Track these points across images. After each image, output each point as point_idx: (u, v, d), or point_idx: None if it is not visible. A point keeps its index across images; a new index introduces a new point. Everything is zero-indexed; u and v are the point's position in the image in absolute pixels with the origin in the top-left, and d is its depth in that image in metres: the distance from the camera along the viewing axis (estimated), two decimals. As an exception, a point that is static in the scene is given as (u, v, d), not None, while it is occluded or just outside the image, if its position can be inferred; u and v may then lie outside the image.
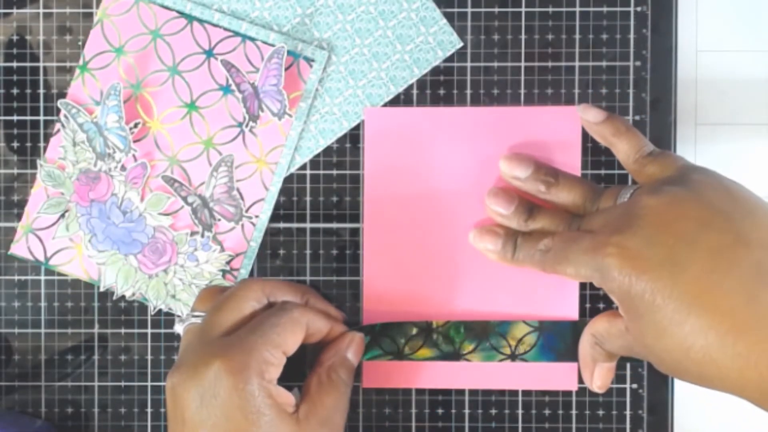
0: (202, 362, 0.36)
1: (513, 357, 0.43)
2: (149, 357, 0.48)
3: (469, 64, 0.47)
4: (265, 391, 0.36)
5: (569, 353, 0.43)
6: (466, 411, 0.46)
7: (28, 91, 0.48)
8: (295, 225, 0.47)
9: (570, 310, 0.43)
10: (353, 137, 0.47)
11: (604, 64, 0.47)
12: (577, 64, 0.47)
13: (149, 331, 0.48)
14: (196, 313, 0.41)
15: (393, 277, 0.43)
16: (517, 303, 0.43)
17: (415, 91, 0.47)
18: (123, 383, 0.48)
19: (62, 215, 0.47)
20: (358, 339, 0.42)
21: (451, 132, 0.43)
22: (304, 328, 0.39)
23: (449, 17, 0.47)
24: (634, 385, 0.47)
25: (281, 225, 0.47)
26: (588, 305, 0.45)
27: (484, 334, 0.42)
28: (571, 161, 0.43)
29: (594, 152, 0.46)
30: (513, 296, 0.43)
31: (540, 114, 0.44)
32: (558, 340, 0.43)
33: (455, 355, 0.42)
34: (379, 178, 0.43)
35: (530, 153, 0.43)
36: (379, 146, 0.43)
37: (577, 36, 0.47)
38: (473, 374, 0.43)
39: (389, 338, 0.42)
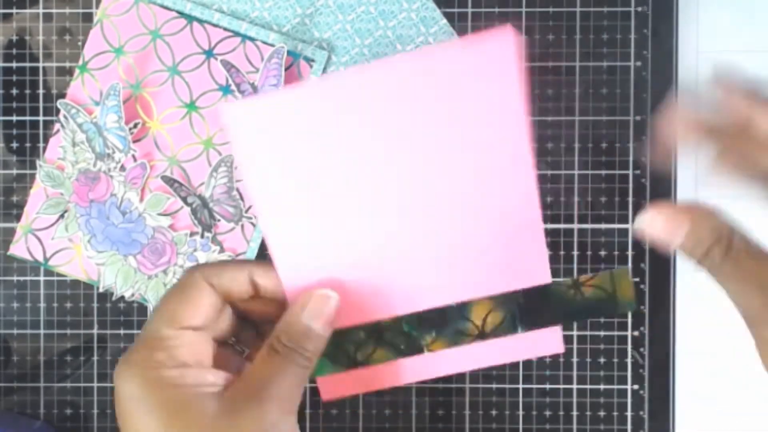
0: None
1: (482, 336, 0.36)
2: (149, 358, 0.47)
3: (469, 65, 0.47)
4: (155, 377, 0.29)
5: (548, 319, 0.36)
6: (467, 412, 0.46)
7: (28, 91, 0.48)
8: (295, 225, 0.47)
9: (540, 275, 0.36)
10: (353, 137, 0.47)
11: (604, 64, 0.47)
12: (577, 64, 0.47)
13: (149, 331, 0.47)
14: None
15: (319, 282, 0.35)
16: (475, 281, 0.36)
17: (415, 92, 0.47)
18: (122, 384, 0.48)
19: (61, 216, 0.47)
20: (317, 297, 0.33)
21: (348, 105, 0.33)
22: (205, 289, 0.31)
23: (449, 17, 0.47)
24: (635, 386, 0.47)
25: (281, 225, 0.47)
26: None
27: (443, 322, 0.36)
28: (510, 101, 0.33)
29: (594, 152, 0.46)
30: (469, 274, 0.36)
31: (449, 51, 0.32)
32: (531, 309, 0.36)
33: (417, 349, 0.36)
34: (268, 180, 0.34)
35: (453, 105, 0.33)
36: (259, 146, 0.33)
37: (578, 36, 0.47)
38: (442, 362, 0.37)
39: (336, 349, 0.36)
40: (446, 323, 0.37)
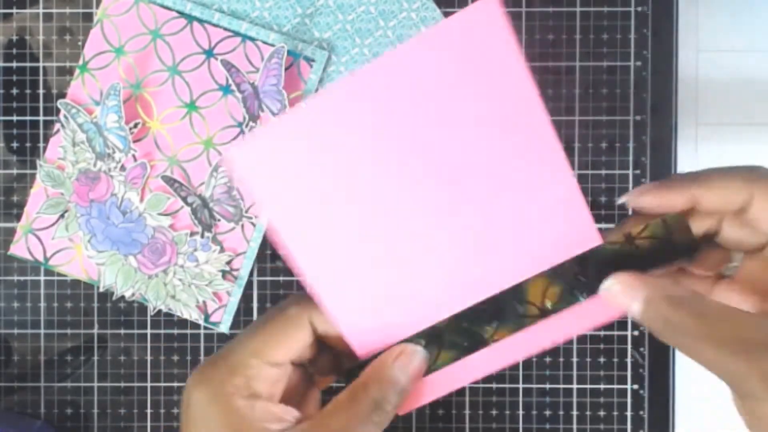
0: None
1: (544, 314, 0.34)
2: (149, 358, 0.47)
3: (469, 64, 0.47)
4: (226, 401, 0.29)
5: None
6: (467, 411, 0.46)
7: (28, 91, 0.48)
8: (295, 225, 0.47)
9: (589, 238, 0.33)
10: (353, 137, 0.47)
11: (604, 64, 0.47)
12: (577, 64, 0.47)
13: (149, 331, 0.47)
14: None
15: (362, 302, 0.33)
16: (522, 260, 0.34)
17: (415, 91, 0.47)
18: (123, 384, 0.48)
19: (62, 215, 0.47)
20: (409, 351, 0.32)
21: (351, 115, 0.31)
22: (305, 329, 0.31)
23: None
24: (635, 386, 0.47)
25: (281, 225, 0.47)
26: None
27: (500, 310, 0.34)
28: (511, 69, 0.31)
29: (594, 152, 0.46)
30: (514, 255, 0.34)
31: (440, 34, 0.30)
32: (588, 274, 0.33)
33: (481, 342, 0.34)
34: (296, 216, 0.32)
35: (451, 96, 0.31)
36: (277, 184, 0.32)
37: (578, 36, 0.47)
38: (511, 349, 0.35)
39: None
40: (504, 310, 0.34)
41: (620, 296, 0.30)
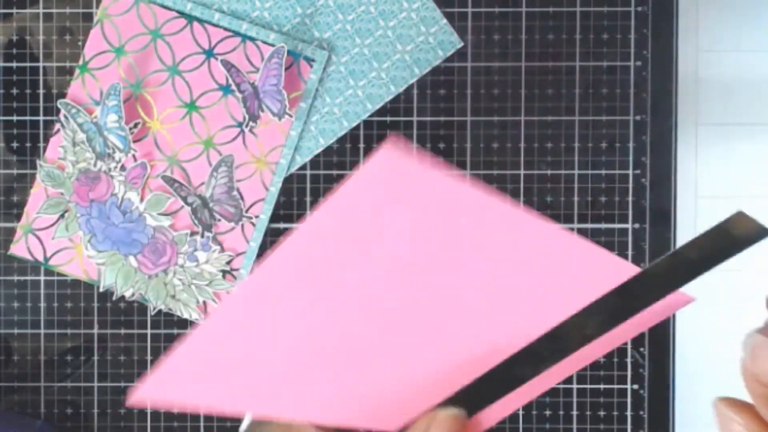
0: None
1: (588, 339, 0.32)
2: (149, 357, 0.47)
3: (469, 64, 0.47)
4: None
5: (661, 292, 0.31)
6: (467, 412, 0.46)
7: (28, 91, 0.48)
8: (295, 225, 0.47)
9: (624, 271, 0.31)
10: (353, 137, 0.47)
11: (604, 64, 0.47)
12: (577, 64, 0.47)
13: (149, 331, 0.47)
14: None
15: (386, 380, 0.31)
16: (553, 310, 0.31)
17: (415, 91, 0.47)
18: (123, 384, 0.48)
19: (62, 215, 0.47)
20: (442, 417, 0.29)
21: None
22: None
23: (449, 17, 0.47)
24: (635, 386, 0.47)
25: (281, 225, 0.47)
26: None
27: (545, 355, 0.32)
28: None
29: (594, 152, 0.46)
30: (543, 312, 0.31)
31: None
32: (632, 297, 0.31)
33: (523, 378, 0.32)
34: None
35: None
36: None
37: (578, 36, 0.47)
38: (556, 372, 0.32)
39: None
40: (542, 354, 0.31)
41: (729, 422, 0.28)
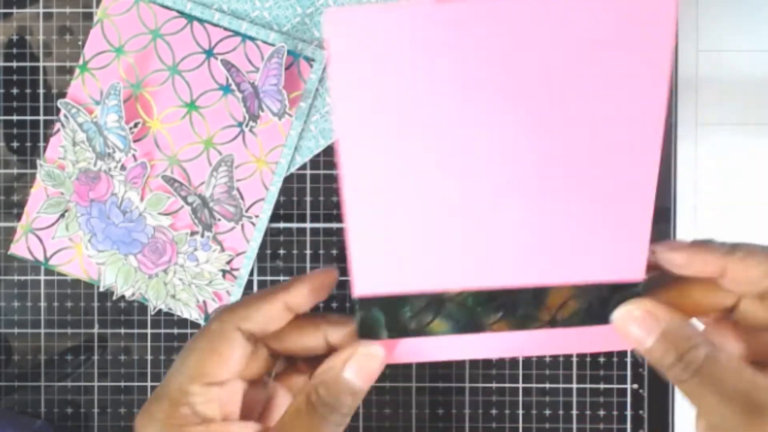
0: None
1: (552, 323, 0.32)
2: (149, 357, 0.47)
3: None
4: None
5: None
6: (467, 411, 0.46)
7: (28, 91, 0.48)
8: (295, 225, 0.47)
9: (634, 270, 0.31)
10: (353, 137, 0.47)
11: (604, 63, 0.47)
12: (577, 63, 0.47)
13: (149, 331, 0.47)
14: None
15: (388, 237, 0.31)
16: (560, 263, 0.31)
17: (415, 91, 0.47)
18: (123, 383, 0.48)
19: (62, 215, 0.47)
20: (364, 354, 0.30)
21: (459, 36, 0.28)
22: (233, 339, 0.29)
23: (449, 17, 0.47)
24: (635, 386, 0.47)
25: (281, 225, 0.47)
26: None
27: (513, 305, 0.32)
28: (656, 64, 0.27)
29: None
30: (555, 254, 0.31)
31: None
32: (612, 303, 0.31)
33: (478, 327, 0.32)
34: (358, 106, 0.29)
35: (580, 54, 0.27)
36: (354, 62, 0.28)
37: (578, 36, 0.47)
38: (501, 344, 0.33)
39: (389, 313, 0.32)
40: (517, 306, 0.32)
41: (637, 324, 0.29)
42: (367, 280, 0.31)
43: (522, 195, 0.30)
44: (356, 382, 0.29)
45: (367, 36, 0.27)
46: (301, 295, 0.30)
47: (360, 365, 0.29)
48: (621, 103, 0.28)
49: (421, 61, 0.28)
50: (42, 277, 0.48)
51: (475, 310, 0.32)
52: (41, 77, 0.48)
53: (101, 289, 0.47)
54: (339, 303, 0.47)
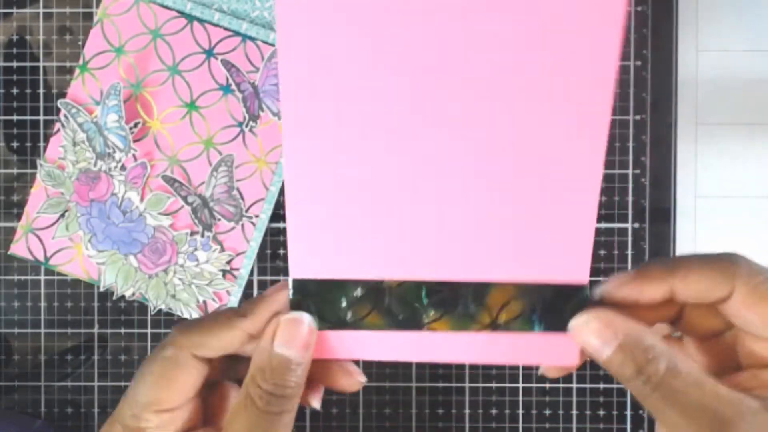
0: None
1: (493, 326, 0.31)
2: (149, 357, 0.47)
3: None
4: None
5: (567, 324, 0.31)
6: (467, 411, 0.46)
7: (28, 91, 0.48)
8: (295, 225, 0.47)
9: (577, 272, 0.30)
10: (353, 137, 0.47)
11: (604, 63, 0.47)
12: (577, 63, 0.47)
13: (149, 331, 0.47)
14: None
15: (328, 216, 0.30)
16: (503, 259, 0.30)
17: (415, 91, 0.47)
18: (123, 383, 0.48)
19: (62, 215, 0.47)
20: (286, 322, 0.28)
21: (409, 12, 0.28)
22: (193, 368, 0.28)
23: (449, 17, 0.47)
24: (635, 385, 0.47)
25: (281, 225, 0.47)
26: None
27: (453, 300, 0.31)
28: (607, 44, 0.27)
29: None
30: (498, 249, 0.30)
31: None
32: (556, 308, 0.31)
33: (415, 324, 0.31)
34: (304, 66, 0.28)
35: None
36: (303, 17, 0.28)
37: (578, 36, 0.47)
38: (440, 347, 0.32)
39: (326, 301, 0.31)
40: (457, 302, 0.31)
41: (594, 334, 0.28)
42: (304, 262, 0.30)
43: (465, 184, 0.29)
44: (288, 352, 0.27)
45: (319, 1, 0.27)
46: (262, 322, 0.29)
47: (287, 334, 0.28)
48: (568, 93, 0.28)
49: (369, 29, 0.27)
50: (42, 277, 0.48)
51: (414, 305, 0.31)
52: (41, 77, 0.48)
53: (101, 289, 0.47)
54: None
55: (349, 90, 0.28)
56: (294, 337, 0.28)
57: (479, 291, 0.31)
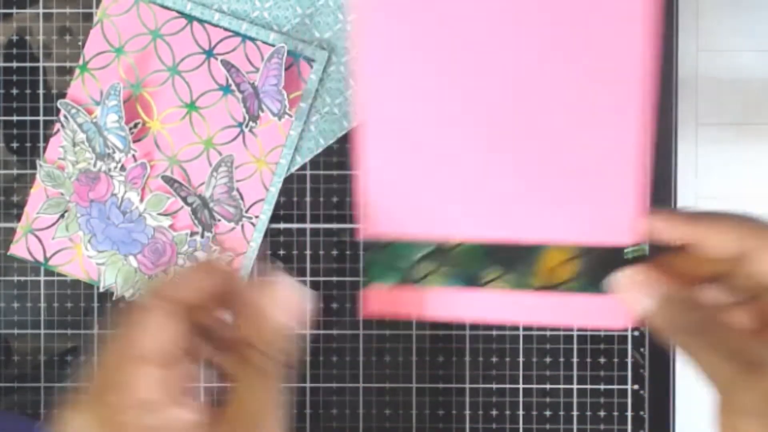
0: None
1: (548, 287, 0.33)
2: (149, 358, 0.47)
3: (469, 64, 0.47)
4: (112, 421, 0.25)
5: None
6: (467, 411, 0.46)
7: (28, 91, 0.48)
8: (295, 225, 0.47)
9: (631, 233, 0.32)
10: (353, 137, 0.47)
11: (604, 64, 0.47)
12: (577, 64, 0.47)
13: (149, 331, 0.47)
14: None
15: (398, 185, 0.33)
16: (559, 222, 0.32)
17: (415, 91, 0.47)
18: (122, 384, 0.48)
19: (62, 215, 0.47)
20: (282, 286, 0.28)
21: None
22: (171, 318, 0.26)
23: (449, 17, 0.47)
24: (636, 386, 0.47)
25: (281, 225, 0.47)
26: None
27: (511, 261, 0.33)
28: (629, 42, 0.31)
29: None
30: (555, 213, 0.32)
31: None
32: (607, 270, 0.32)
33: (474, 282, 0.33)
34: (378, 56, 0.32)
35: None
36: (377, 11, 0.32)
37: (578, 36, 0.47)
38: (495, 306, 0.33)
39: (394, 260, 0.33)
40: (514, 262, 0.33)
41: (637, 288, 0.30)
42: (374, 222, 0.33)
43: (521, 153, 0.32)
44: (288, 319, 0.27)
45: None
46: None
47: (285, 300, 0.28)
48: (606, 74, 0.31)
49: (435, 13, 0.32)
50: (42, 278, 0.47)
51: (473, 264, 0.33)
52: (41, 77, 0.48)
53: (101, 290, 0.47)
54: (339, 303, 0.47)
55: (420, 70, 0.32)
56: (294, 303, 0.28)
57: (535, 252, 0.33)
